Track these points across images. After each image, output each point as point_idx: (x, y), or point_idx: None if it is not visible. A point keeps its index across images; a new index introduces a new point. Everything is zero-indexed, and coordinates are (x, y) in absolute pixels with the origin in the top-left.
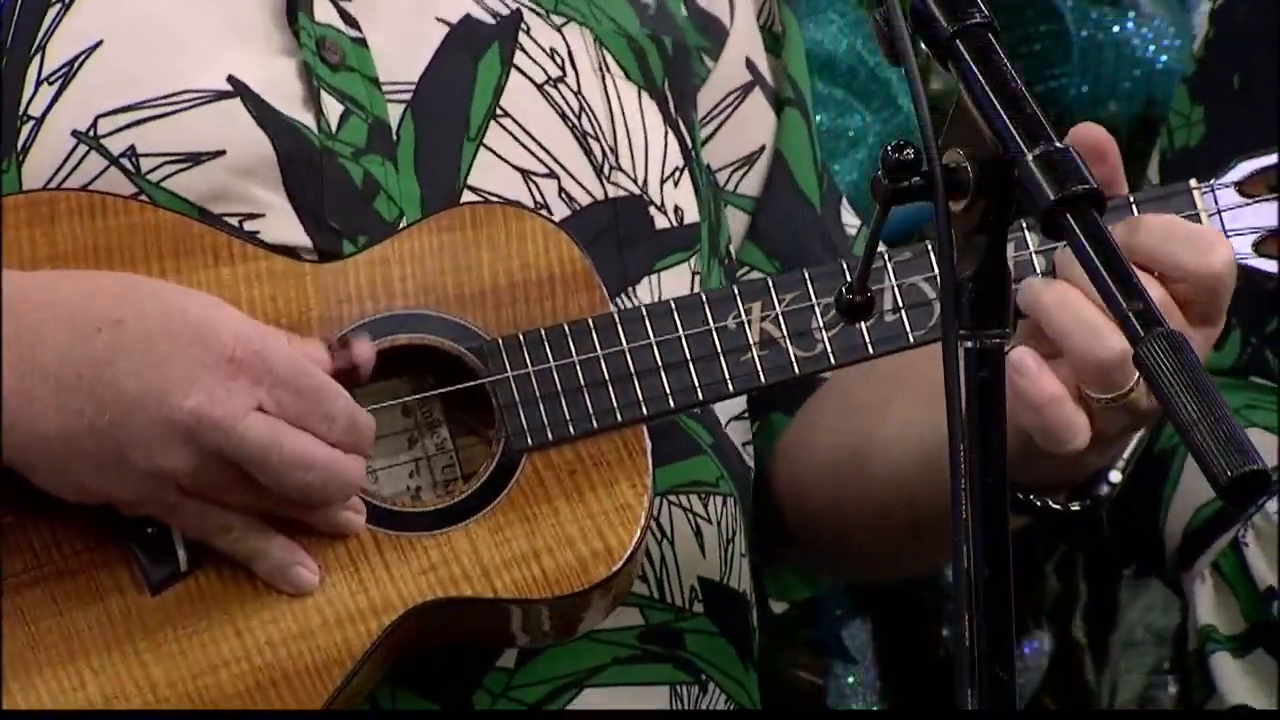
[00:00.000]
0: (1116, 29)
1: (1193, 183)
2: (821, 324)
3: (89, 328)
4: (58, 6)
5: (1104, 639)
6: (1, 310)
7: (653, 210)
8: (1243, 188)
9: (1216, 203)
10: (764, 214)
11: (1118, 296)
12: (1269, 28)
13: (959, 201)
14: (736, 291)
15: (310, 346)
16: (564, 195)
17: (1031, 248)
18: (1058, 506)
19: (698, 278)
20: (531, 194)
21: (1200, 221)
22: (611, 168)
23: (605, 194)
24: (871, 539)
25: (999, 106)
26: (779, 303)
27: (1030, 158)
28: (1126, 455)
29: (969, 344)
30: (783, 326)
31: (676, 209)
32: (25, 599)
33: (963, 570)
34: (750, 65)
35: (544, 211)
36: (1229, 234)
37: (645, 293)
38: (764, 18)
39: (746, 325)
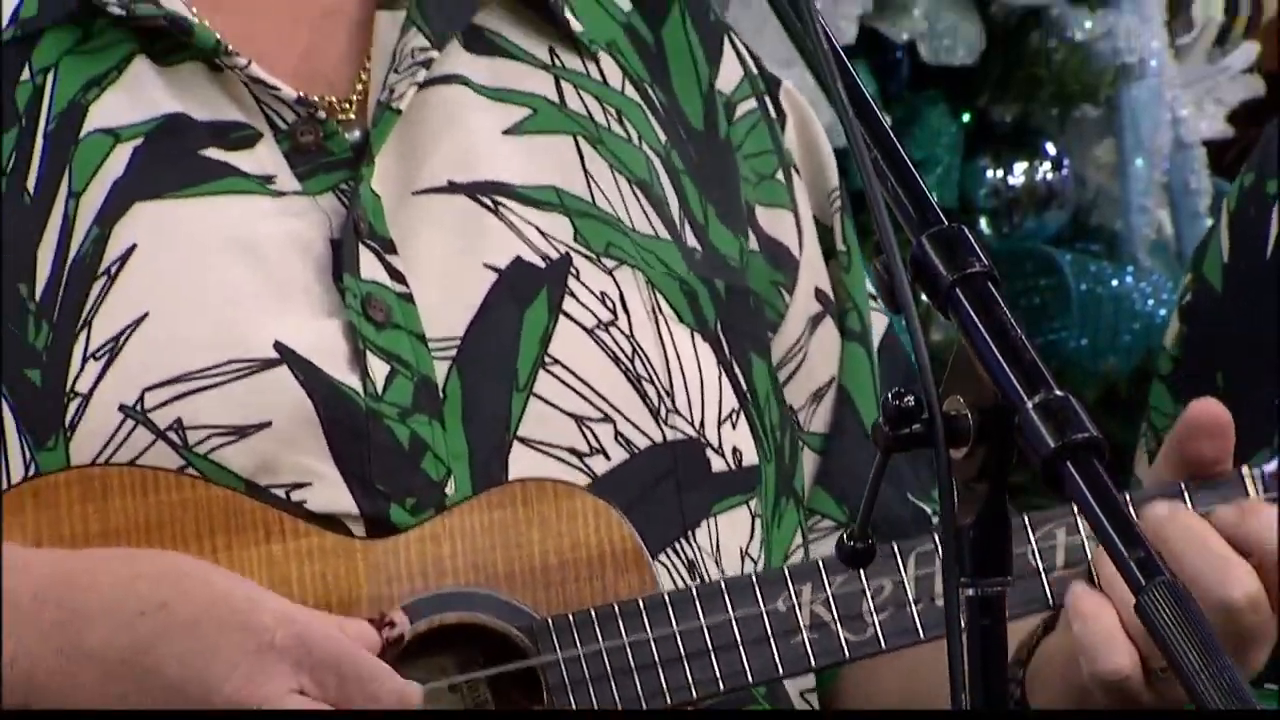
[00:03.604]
0: (1115, 283)
1: (1245, 469)
2: (872, 607)
3: (133, 612)
4: (103, 279)
5: None
6: (52, 592)
7: (709, 453)
8: None
9: (1266, 488)
10: (832, 458)
11: (1119, 545)
12: (1242, 324)
13: (960, 449)
14: (787, 574)
15: (357, 626)
16: (620, 439)
17: None
18: None
19: (759, 520)
20: (586, 439)
21: None
22: (669, 410)
23: (664, 437)
24: None
25: (999, 355)
26: (829, 585)
27: (1030, 406)
28: None
29: (970, 591)
30: (833, 609)
31: (735, 450)
32: None
33: None
34: (820, 295)
35: (600, 457)
36: None
37: (704, 537)
38: (825, 226)
39: (797, 608)
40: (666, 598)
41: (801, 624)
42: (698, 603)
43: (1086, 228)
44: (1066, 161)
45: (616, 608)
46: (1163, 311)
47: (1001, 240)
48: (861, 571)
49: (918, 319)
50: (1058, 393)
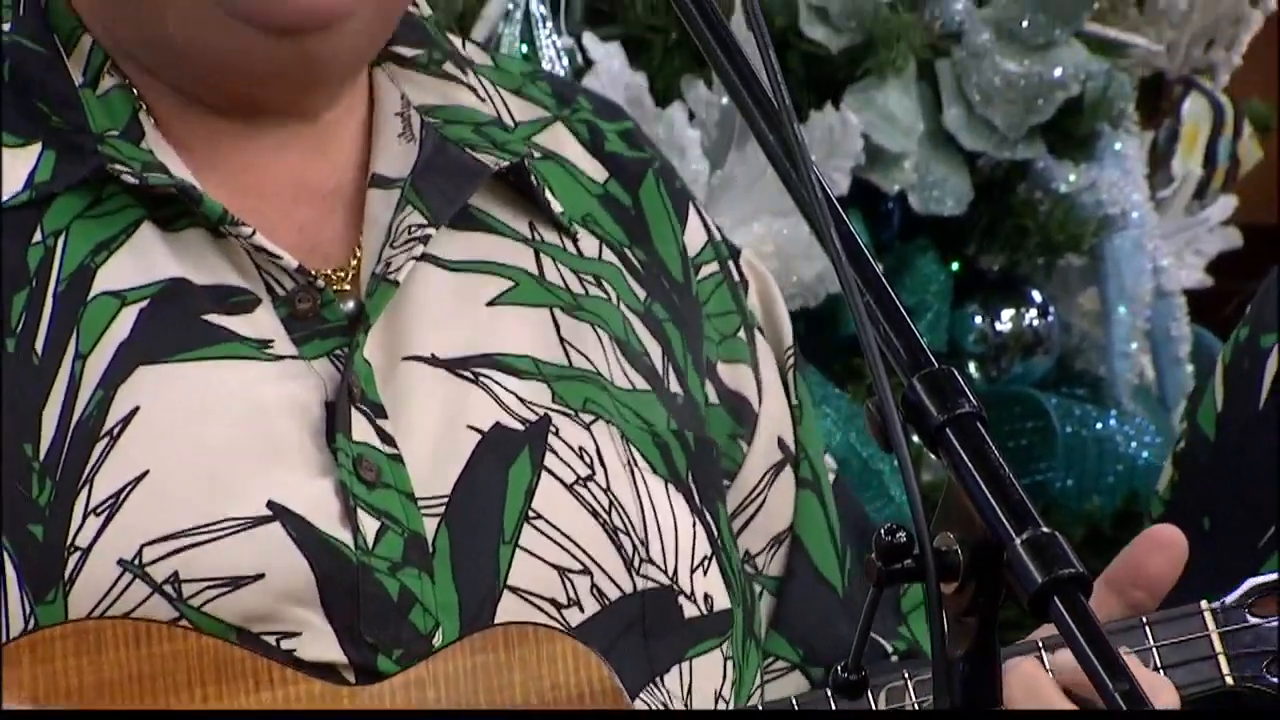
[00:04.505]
0: (1099, 425)
1: (1204, 604)
2: None
3: None
4: (105, 440)
5: None
6: None
7: (682, 600)
8: (1254, 608)
9: (1224, 623)
10: (786, 602)
11: (1104, 677)
12: (1232, 471)
13: (950, 584)
14: (760, 710)
15: None
16: (595, 591)
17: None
18: None
19: (730, 663)
20: (566, 590)
21: (1212, 643)
22: (642, 560)
23: (635, 587)
24: None
25: (988, 493)
26: None
27: (1018, 542)
28: None
29: None
30: None
31: (707, 597)
32: None
33: None
34: (781, 444)
35: (576, 609)
36: (1242, 655)
37: (674, 681)
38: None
39: None
40: None
41: None
42: None
43: (1071, 372)
44: (1052, 309)
45: None
46: (1145, 454)
47: (990, 384)
48: (833, 704)
49: (909, 456)
50: (1044, 530)
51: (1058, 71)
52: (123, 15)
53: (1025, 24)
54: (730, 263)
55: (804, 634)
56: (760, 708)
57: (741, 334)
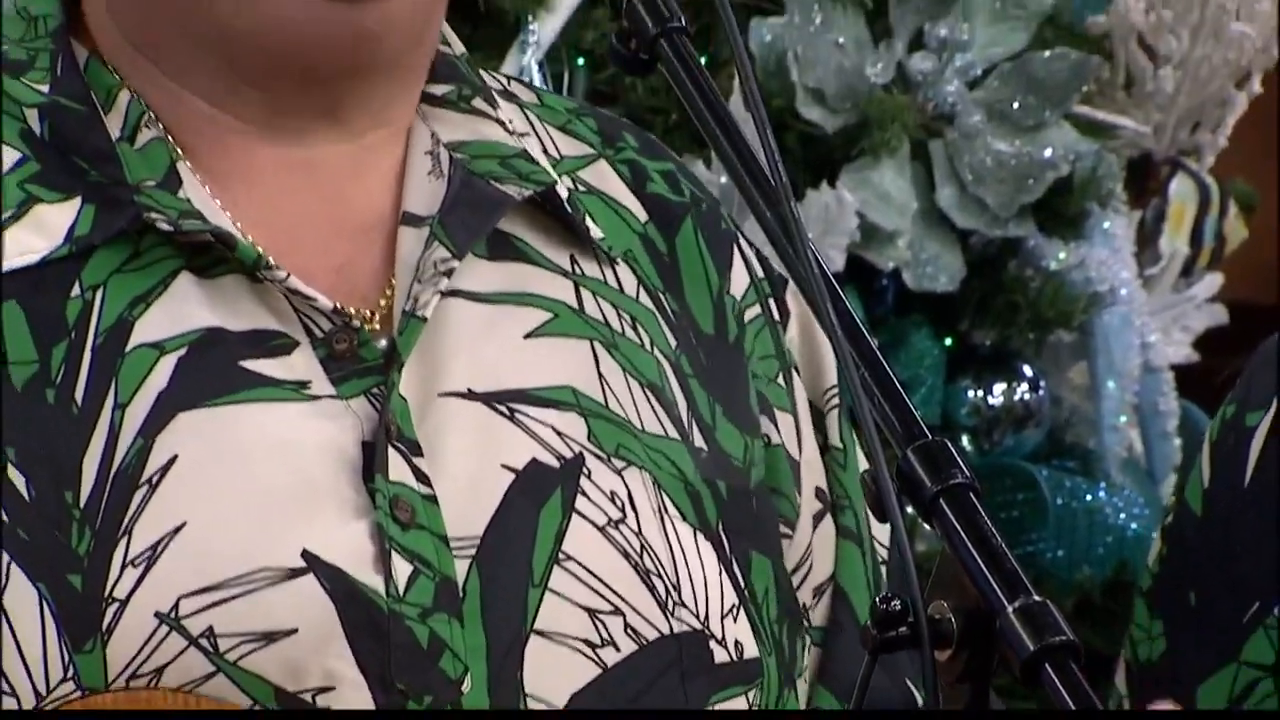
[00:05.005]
0: (1089, 497)
1: None
2: None
3: None
4: (144, 489)
5: None
6: None
7: (713, 644)
8: None
9: None
10: (830, 656)
11: None
12: (1218, 547)
13: (944, 651)
14: None
15: None
16: (630, 631)
17: None
18: None
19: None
20: (598, 630)
21: None
22: (675, 604)
23: (671, 629)
24: None
25: (980, 562)
26: None
27: (1010, 610)
28: None
29: None
30: None
31: (737, 643)
32: None
33: None
34: (819, 493)
35: (611, 648)
36: None
37: None
38: (819, 415)
39: None
40: None
41: None
42: None
43: (1062, 445)
44: (1043, 383)
45: None
46: (1134, 525)
47: (982, 457)
48: None
49: (904, 526)
50: (1036, 598)
51: (1048, 152)
52: (161, 7)
53: (1016, 106)
54: (772, 299)
55: (848, 689)
56: None
57: (780, 380)
